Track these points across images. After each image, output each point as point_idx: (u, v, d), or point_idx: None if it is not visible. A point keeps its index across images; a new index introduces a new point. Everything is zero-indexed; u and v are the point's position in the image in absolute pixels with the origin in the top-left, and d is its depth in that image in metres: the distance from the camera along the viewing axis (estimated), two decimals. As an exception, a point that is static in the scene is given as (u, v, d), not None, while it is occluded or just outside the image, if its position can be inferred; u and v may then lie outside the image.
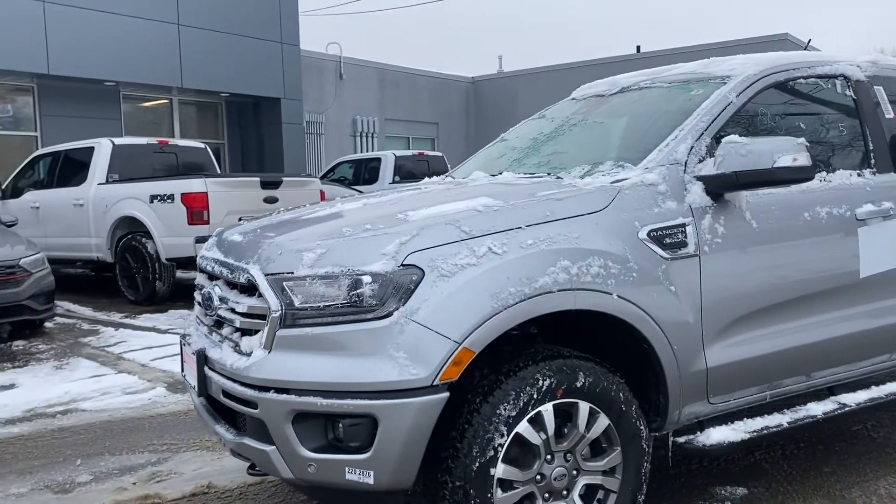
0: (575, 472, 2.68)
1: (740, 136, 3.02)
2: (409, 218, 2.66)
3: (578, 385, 2.63)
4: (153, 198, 9.26)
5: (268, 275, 2.58)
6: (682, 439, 3.00)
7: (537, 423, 2.57)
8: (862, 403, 3.41)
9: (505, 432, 2.50)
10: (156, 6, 15.62)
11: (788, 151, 2.86)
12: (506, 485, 2.54)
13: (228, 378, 2.65)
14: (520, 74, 26.49)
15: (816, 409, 3.29)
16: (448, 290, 2.43)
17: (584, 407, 2.65)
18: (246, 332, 2.68)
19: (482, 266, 2.49)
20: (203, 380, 2.84)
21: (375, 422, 2.37)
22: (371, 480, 2.40)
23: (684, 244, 2.85)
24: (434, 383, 2.38)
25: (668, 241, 2.82)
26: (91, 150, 10.39)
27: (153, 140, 10.98)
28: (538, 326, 3.02)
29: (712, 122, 3.12)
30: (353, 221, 2.78)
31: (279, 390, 2.47)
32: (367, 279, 2.43)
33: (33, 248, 7.80)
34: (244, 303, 2.69)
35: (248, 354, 2.60)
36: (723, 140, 2.97)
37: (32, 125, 15.21)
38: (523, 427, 2.54)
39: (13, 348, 7.17)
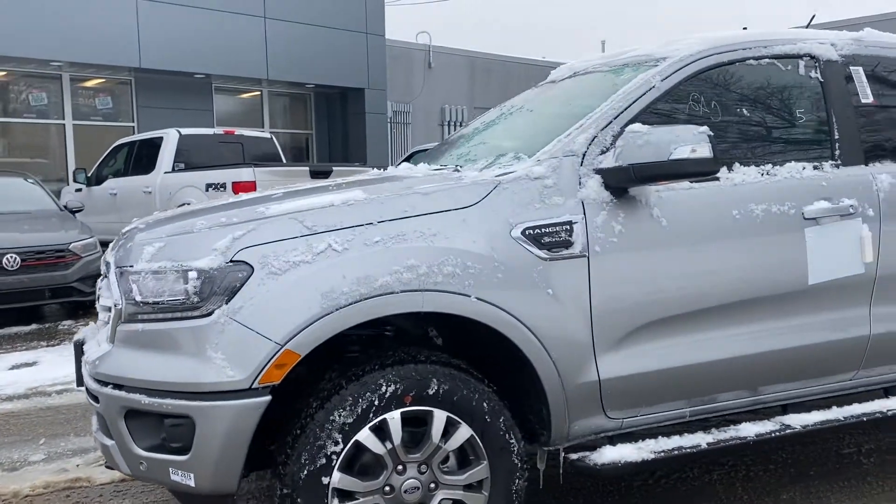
0: (433, 486, 2.51)
1: (662, 125, 2.73)
2: (266, 212, 2.56)
3: (431, 392, 2.45)
4: (208, 186, 9.55)
5: (118, 267, 2.55)
6: (574, 456, 2.76)
7: (382, 431, 2.41)
8: (811, 426, 3.02)
9: (340, 440, 2.36)
10: (243, 0, 16.10)
11: (687, 142, 2.55)
12: (345, 495, 2.41)
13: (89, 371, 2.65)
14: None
15: (750, 429, 2.95)
16: (276, 289, 2.32)
17: (439, 416, 2.47)
18: (107, 324, 2.67)
19: (317, 264, 2.35)
20: (79, 370, 2.85)
21: (194, 423, 2.30)
22: (192, 483, 2.33)
23: (568, 244, 2.60)
24: (252, 386, 2.27)
25: (547, 240, 2.58)
26: (160, 139, 10.84)
27: (219, 130, 11.33)
28: (437, 327, 2.86)
29: (625, 109, 2.82)
30: (217, 214, 2.70)
31: (115, 385, 2.45)
32: (192, 275, 2.35)
33: (87, 233, 8.21)
34: (105, 294, 2.68)
35: (102, 348, 2.58)
36: (625, 130, 2.69)
37: (130, 116, 16.08)
38: (364, 435, 2.39)
39: (59, 327, 7.58)
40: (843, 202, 2.99)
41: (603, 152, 2.73)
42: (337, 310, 2.31)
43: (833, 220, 2.97)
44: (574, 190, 2.68)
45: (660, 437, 2.86)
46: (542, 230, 2.58)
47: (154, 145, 10.93)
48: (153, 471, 2.40)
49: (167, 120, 14.96)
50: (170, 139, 10.70)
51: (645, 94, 2.87)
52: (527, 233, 2.57)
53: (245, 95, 18.14)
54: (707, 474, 3.55)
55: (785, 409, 3.14)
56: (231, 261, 2.34)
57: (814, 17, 4.04)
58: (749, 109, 3.04)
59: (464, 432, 2.50)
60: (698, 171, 2.59)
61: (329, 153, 19.20)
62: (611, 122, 2.79)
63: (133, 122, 15.98)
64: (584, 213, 2.65)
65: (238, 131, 11.78)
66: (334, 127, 19.31)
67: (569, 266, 2.61)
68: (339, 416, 2.36)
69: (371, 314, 2.36)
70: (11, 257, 7.40)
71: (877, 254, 3.04)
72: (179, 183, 10.15)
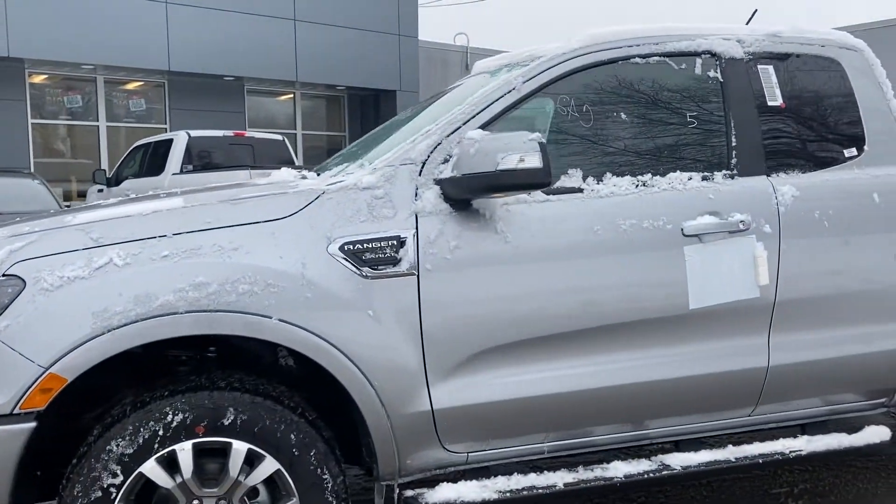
0: (235, 523, 2.30)
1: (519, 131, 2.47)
2: (72, 221, 2.39)
3: (227, 422, 2.24)
4: (209, 188, 9.54)
5: None
6: (410, 493, 2.51)
7: (171, 463, 2.22)
8: (694, 467, 2.71)
9: (119, 471, 2.17)
10: (272, 3, 16.18)
11: (515, 150, 2.28)
12: (131, 531, 2.22)
13: None
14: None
15: (621, 469, 2.66)
16: (46, 307, 2.14)
17: (238, 448, 2.26)
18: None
19: (93, 280, 2.17)
20: None
21: (-41, 448, 2.14)
22: (-41, 511, 2.18)
23: (394, 261, 2.36)
24: (14, 412, 2.11)
25: (369, 256, 2.35)
26: (170, 141, 10.91)
27: (229, 132, 11.34)
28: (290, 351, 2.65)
29: (476, 114, 2.57)
30: (31, 223, 2.54)
31: None
32: None
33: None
34: None
35: None
36: (463, 137, 2.44)
37: (163, 118, 16.32)
38: (149, 467, 2.20)
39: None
40: (734, 217, 2.66)
41: (446, 161, 2.49)
42: (109, 331, 2.13)
43: (719, 237, 2.65)
44: (409, 202, 2.44)
45: (515, 474, 2.60)
46: (364, 246, 2.35)
47: (166, 147, 11.01)
48: (-70, 496, 2.26)
49: (199, 122, 15.11)
50: (179, 141, 10.76)
51: (502, 97, 2.61)
52: (345, 248, 2.34)
53: (277, 98, 18.24)
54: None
55: (678, 447, 2.83)
56: (3, 274, 2.18)
57: (756, 11, 3.68)
58: (630, 114, 2.75)
59: (268, 466, 2.29)
60: (528, 182, 2.31)
61: (362, 155, 19.13)
62: (458, 127, 2.54)
63: (165, 123, 16.21)
64: (417, 228, 2.40)
65: (249, 133, 11.79)
66: (368, 128, 19.11)
67: (395, 285, 2.37)
68: (118, 445, 2.17)
69: (151, 336, 2.17)
70: None
71: (776, 276, 2.71)
72: (185, 185, 10.17)
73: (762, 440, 2.85)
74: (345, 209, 2.39)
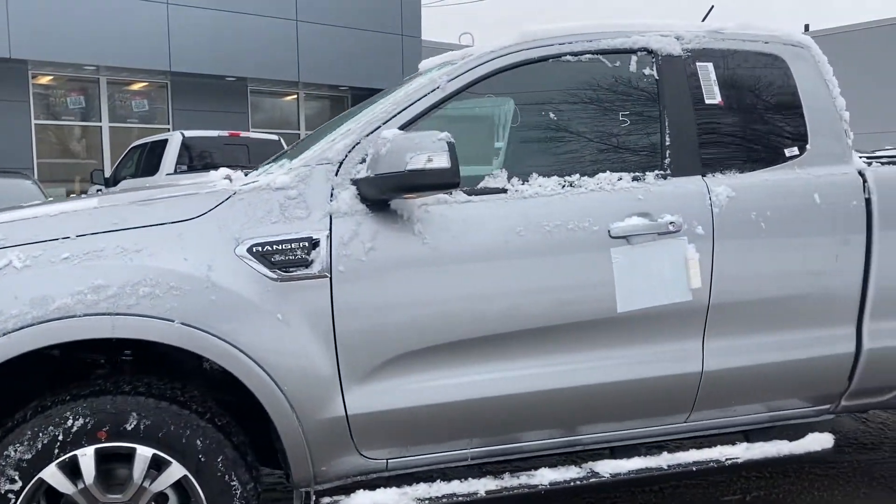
0: (142, 529, 2.26)
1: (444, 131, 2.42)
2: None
3: (130, 427, 2.20)
4: (200, 189, 9.54)
5: None
6: (326, 500, 2.46)
7: (74, 468, 2.18)
8: (624, 475, 2.64)
9: (18, 477, 2.14)
10: (273, 3, 16.19)
11: (423, 149, 2.22)
12: (34, 537, 2.19)
13: None
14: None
15: (547, 476, 2.60)
16: None
17: (143, 453, 2.22)
18: None
19: None
20: None
21: None
22: None
23: (305, 263, 2.31)
24: None
25: (278, 258, 2.30)
26: (165, 142, 10.92)
27: (224, 132, 11.35)
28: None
29: (397, 113, 2.52)
30: None
31: None
32: None
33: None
34: None
35: None
36: (379, 136, 2.38)
37: (166, 118, 16.38)
38: (50, 472, 2.16)
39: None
40: (664, 218, 2.59)
41: (364, 161, 2.44)
42: (4, 335, 2.09)
43: (648, 238, 2.58)
44: (324, 202, 2.39)
45: (438, 481, 2.54)
46: (274, 247, 2.30)
47: (161, 147, 11.03)
48: None
49: (202, 122, 15.13)
50: (173, 141, 10.78)
51: (425, 96, 2.56)
52: (254, 250, 2.29)
53: (281, 98, 18.26)
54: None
55: (613, 453, 2.77)
56: None
57: (712, 7, 3.60)
58: (560, 113, 2.68)
59: (175, 472, 2.25)
60: (437, 182, 2.25)
61: (365, 155, 19.12)
62: (378, 126, 2.48)
63: (168, 124, 16.26)
64: (331, 229, 2.35)
65: (244, 133, 11.79)
66: (371, 129, 19.22)
67: (306, 288, 2.32)
68: (16, 451, 2.14)
69: (48, 340, 2.13)
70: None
71: (709, 278, 2.63)
72: (178, 185, 10.19)
73: (699, 447, 2.77)
74: (256, 210, 2.35)
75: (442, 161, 2.21)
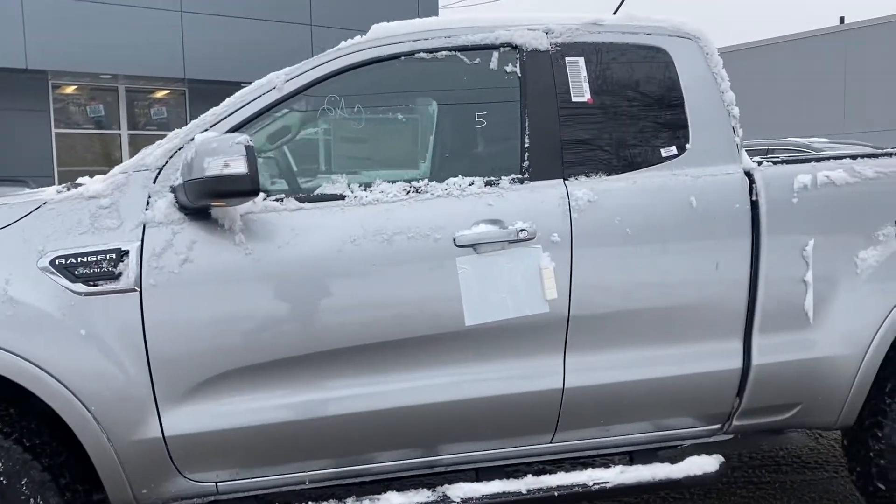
0: (-55, 554, 2.17)
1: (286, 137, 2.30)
2: None
3: (-76, 448, 2.12)
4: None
5: None
6: (152, 525, 2.34)
7: None
8: (475, 499, 2.45)
9: None
10: (287, 8, 16.25)
11: (220, 154, 2.09)
12: None
13: None
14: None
15: (392, 499, 2.43)
16: None
17: (-60, 475, 2.13)
18: None
19: None
20: None
21: None
22: None
23: (111, 276, 2.20)
24: None
25: (82, 271, 2.19)
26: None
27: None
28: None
29: (228, 115, 2.40)
30: None
31: None
32: None
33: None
34: None
35: None
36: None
37: (183, 125, 16.52)
38: None
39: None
40: (515, 226, 2.41)
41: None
42: None
43: (497, 247, 2.40)
44: (139, 211, 2.27)
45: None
46: (77, 260, 2.19)
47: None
48: None
49: (220, 128, 15.26)
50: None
51: (260, 97, 2.43)
52: (57, 263, 2.19)
53: (299, 103, 18.32)
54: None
55: (478, 475, 2.59)
56: None
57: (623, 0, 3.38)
58: (410, 114, 2.53)
59: (-26, 495, 2.16)
60: (235, 189, 2.11)
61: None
62: (205, 130, 2.36)
63: (186, 130, 16.43)
64: (143, 240, 2.24)
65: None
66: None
67: (114, 302, 2.20)
68: None
69: None
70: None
71: (568, 289, 2.44)
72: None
73: (569, 470, 2.58)
74: (65, 220, 2.24)
75: (239, 166, 2.07)
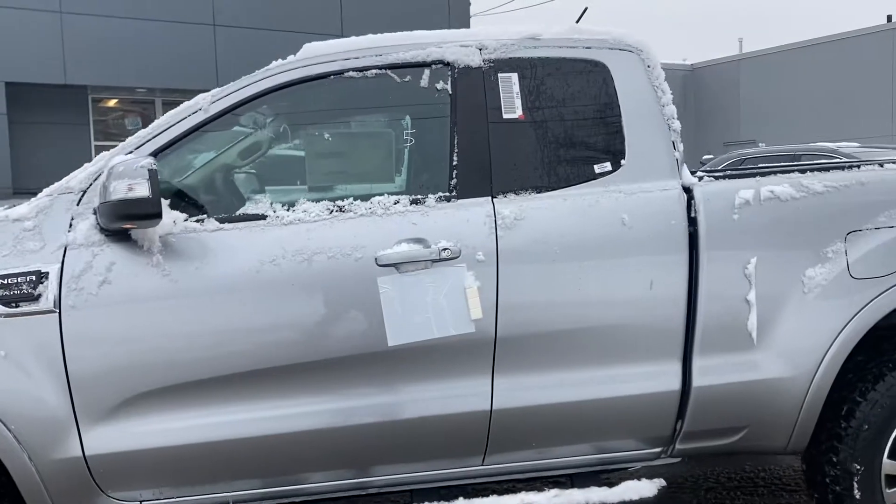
0: None
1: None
2: None
3: None
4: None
5: None
6: (76, 542, 2.37)
7: None
8: (403, 522, 2.44)
9: None
10: (320, 19, 16.43)
11: (125, 178, 2.11)
12: None
13: None
14: (744, 59, 23.75)
15: (317, 522, 2.42)
16: None
17: None
18: None
19: None
20: None
21: None
22: None
23: (31, 297, 2.24)
24: None
25: (2, 293, 2.23)
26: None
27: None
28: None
29: (152, 138, 2.42)
30: None
31: None
32: None
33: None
34: None
35: None
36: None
37: (218, 136, 16.87)
38: None
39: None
40: (439, 245, 2.38)
41: (106, 189, 2.34)
42: None
43: (420, 266, 2.37)
44: (61, 233, 2.31)
45: (200, 524, 2.41)
46: (-2, 282, 2.24)
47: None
48: None
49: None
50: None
51: (186, 118, 2.45)
52: (-22, 285, 2.24)
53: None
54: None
55: (412, 497, 2.57)
56: None
57: (585, 9, 3.32)
58: (335, 134, 2.53)
59: None
60: (140, 212, 2.14)
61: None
62: (130, 153, 2.39)
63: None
64: (64, 261, 2.27)
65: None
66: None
67: (32, 324, 2.24)
68: None
69: None
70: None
71: (494, 309, 2.40)
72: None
73: (502, 493, 2.53)
74: (-9, 243, 2.29)
75: (142, 190, 2.10)
